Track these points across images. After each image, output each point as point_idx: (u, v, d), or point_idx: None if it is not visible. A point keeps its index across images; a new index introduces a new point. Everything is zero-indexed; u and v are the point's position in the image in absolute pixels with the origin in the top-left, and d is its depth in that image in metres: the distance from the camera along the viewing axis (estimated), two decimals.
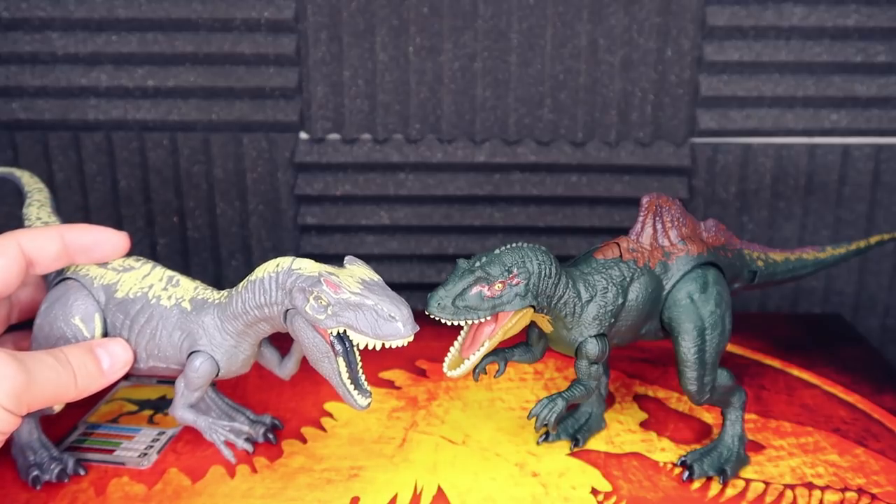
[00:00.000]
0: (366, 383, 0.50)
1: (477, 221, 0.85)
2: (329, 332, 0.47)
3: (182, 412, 0.53)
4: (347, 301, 0.46)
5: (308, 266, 0.48)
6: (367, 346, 0.47)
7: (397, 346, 0.47)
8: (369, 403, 0.50)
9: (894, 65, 0.80)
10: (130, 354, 0.52)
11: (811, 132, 0.83)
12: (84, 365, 0.50)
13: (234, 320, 0.50)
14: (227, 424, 0.53)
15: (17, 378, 0.46)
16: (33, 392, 0.47)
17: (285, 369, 0.56)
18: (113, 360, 0.51)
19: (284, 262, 0.49)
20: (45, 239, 0.51)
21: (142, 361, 0.53)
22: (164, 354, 0.52)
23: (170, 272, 0.54)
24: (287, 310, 0.48)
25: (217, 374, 0.52)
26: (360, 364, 0.49)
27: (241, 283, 0.50)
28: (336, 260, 0.51)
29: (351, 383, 0.49)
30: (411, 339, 0.47)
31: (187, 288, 0.53)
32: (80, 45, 0.79)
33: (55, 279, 0.55)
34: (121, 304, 0.52)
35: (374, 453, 0.57)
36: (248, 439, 0.55)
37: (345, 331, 0.47)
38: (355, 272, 0.48)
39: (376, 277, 0.49)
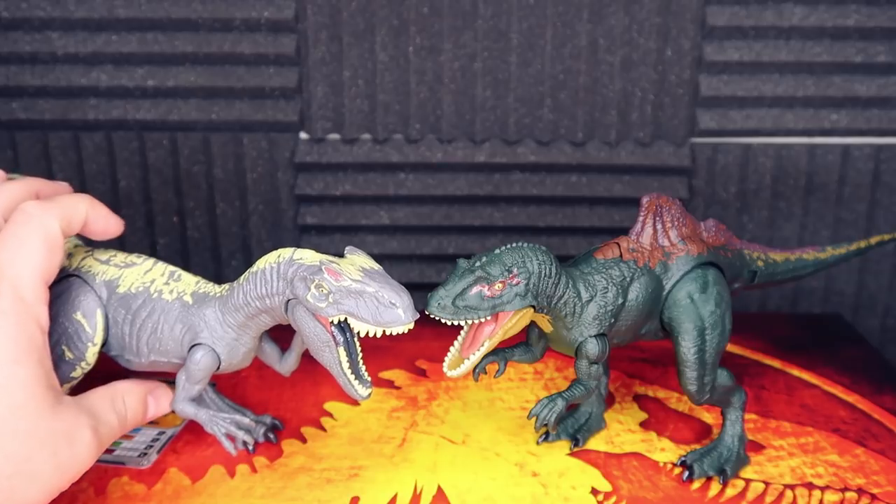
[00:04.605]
0: (366, 373, 0.50)
1: (477, 221, 0.85)
2: (330, 320, 0.48)
3: (183, 405, 0.53)
4: (348, 288, 0.46)
5: (309, 256, 0.48)
6: (367, 334, 0.47)
7: (398, 333, 0.47)
8: (370, 393, 0.50)
9: (894, 65, 0.80)
10: (170, 405, 0.54)
11: (811, 132, 0.83)
12: (136, 413, 0.52)
13: (235, 312, 0.51)
14: (228, 417, 0.54)
15: (95, 451, 0.48)
16: (101, 449, 0.49)
17: (286, 364, 0.56)
18: (157, 410, 0.54)
19: (285, 252, 0.49)
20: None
21: (143, 356, 0.53)
22: (165, 348, 0.52)
23: (171, 267, 0.54)
24: (288, 300, 0.48)
25: (218, 368, 0.52)
26: (360, 354, 0.50)
27: (243, 276, 0.50)
28: None
29: (352, 373, 0.49)
30: (411, 325, 0.47)
31: (189, 282, 0.53)
32: (80, 45, 0.79)
33: (57, 276, 0.55)
34: (123, 300, 0.53)
35: (374, 453, 0.57)
36: (248, 431, 0.56)
37: (345, 320, 0.48)
38: (356, 261, 0.49)
39: (377, 266, 0.49)
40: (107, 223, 0.52)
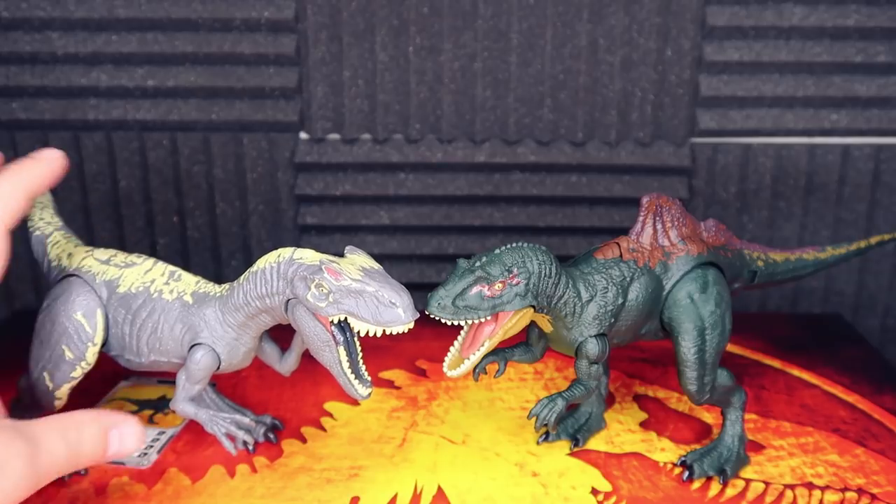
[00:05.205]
0: (366, 373, 0.50)
1: (477, 221, 0.85)
2: (330, 320, 0.48)
3: (183, 405, 0.53)
4: (348, 288, 0.47)
5: (309, 255, 0.49)
6: (367, 333, 0.47)
7: (398, 333, 0.47)
8: (370, 393, 0.50)
9: (894, 65, 0.80)
10: (141, 445, 0.47)
11: (811, 132, 0.83)
12: (92, 448, 0.45)
13: (235, 312, 0.51)
14: (229, 417, 0.54)
15: (27, 482, 0.42)
16: (40, 483, 0.43)
17: (286, 364, 0.56)
18: (121, 448, 0.46)
19: (286, 252, 0.49)
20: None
21: (143, 356, 0.53)
22: (165, 348, 0.52)
23: (171, 267, 0.54)
24: (288, 300, 0.48)
25: (218, 367, 0.52)
26: (360, 353, 0.50)
27: (243, 276, 0.51)
28: None
29: (352, 373, 0.49)
30: (411, 325, 0.47)
31: (189, 282, 0.53)
32: (80, 45, 0.79)
33: (57, 276, 0.55)
34: (123, 299, 0.53)
35: (374, 453, 0.57)
36: (248, 431, 0.56)
37: (345, 320, 0.48)
38: (356, 260, 0.49)
39: (376, 266, 0.49)
40: (51, 169, 0.49)
